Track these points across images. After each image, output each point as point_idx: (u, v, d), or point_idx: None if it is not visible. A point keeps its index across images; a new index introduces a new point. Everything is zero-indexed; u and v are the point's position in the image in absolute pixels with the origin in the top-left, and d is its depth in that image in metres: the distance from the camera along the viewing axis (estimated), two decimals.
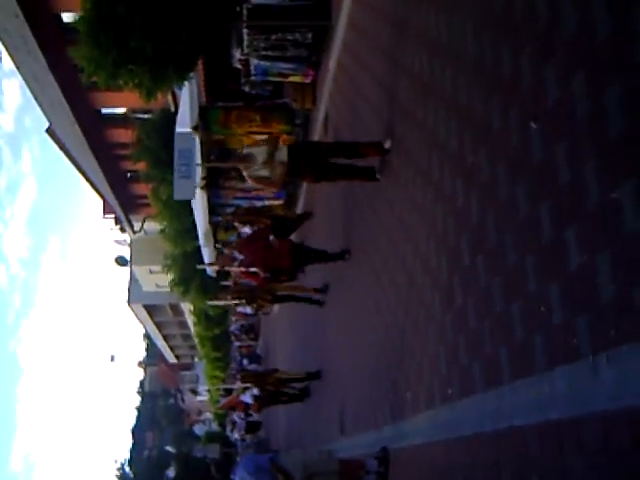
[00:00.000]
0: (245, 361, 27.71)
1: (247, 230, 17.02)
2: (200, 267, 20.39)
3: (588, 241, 3.63)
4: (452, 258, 5.83)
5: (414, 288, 6.97)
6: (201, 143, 16.28)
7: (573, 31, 3.81)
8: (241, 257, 11.84)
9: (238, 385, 16.54)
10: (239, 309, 25.93)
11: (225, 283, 23.29)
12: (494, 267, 4.89)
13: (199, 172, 16.33)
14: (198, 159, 15.82)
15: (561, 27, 3.93)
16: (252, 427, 28.45)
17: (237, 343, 37.03)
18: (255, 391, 16.46)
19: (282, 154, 8.42)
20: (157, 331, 71.39)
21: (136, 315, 64.81)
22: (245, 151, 9.04)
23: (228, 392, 34.72)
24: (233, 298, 15.11)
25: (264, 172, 8.52)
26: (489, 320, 4.95)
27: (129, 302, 59.73)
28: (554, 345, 3.96)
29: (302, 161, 8.57)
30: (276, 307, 26.39)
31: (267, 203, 20.59)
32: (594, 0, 3.58)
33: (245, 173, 8.80)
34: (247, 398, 18.04)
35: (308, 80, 15.53)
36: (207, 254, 24.80)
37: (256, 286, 13.94)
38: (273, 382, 15.63)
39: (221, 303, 17.05)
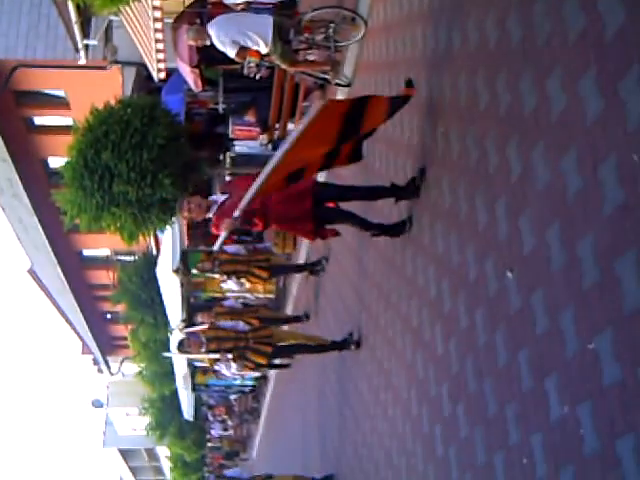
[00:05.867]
0: None
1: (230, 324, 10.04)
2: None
3: (568, 391, 3.60)
4: (433, 407, 5.74)
5: (396, 436, 6.84)
6: (181, 286, 16.36)
7: (545, 184, 3.93)
8: (222, 198, 6.81)
9: None
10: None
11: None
12: (474, 416, 4.82)
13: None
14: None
15: (534, 180, 4.06)
16: None
17: None
18: None
19: None
20: (132, 476, 68.95)
21: (110, 459, 62.77)
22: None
23: None
24: (209, 349, 9.25)
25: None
26: (471, 472, 4.84)
27: (104, 446, 57.95)
28: None
29: None
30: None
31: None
32: (564, 157, 3.71)
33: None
34: None
35: None
36: (185, 398, 24.36)
37: (246, 330, 9.23)
38: None
39: (189, 357, 11.33)
